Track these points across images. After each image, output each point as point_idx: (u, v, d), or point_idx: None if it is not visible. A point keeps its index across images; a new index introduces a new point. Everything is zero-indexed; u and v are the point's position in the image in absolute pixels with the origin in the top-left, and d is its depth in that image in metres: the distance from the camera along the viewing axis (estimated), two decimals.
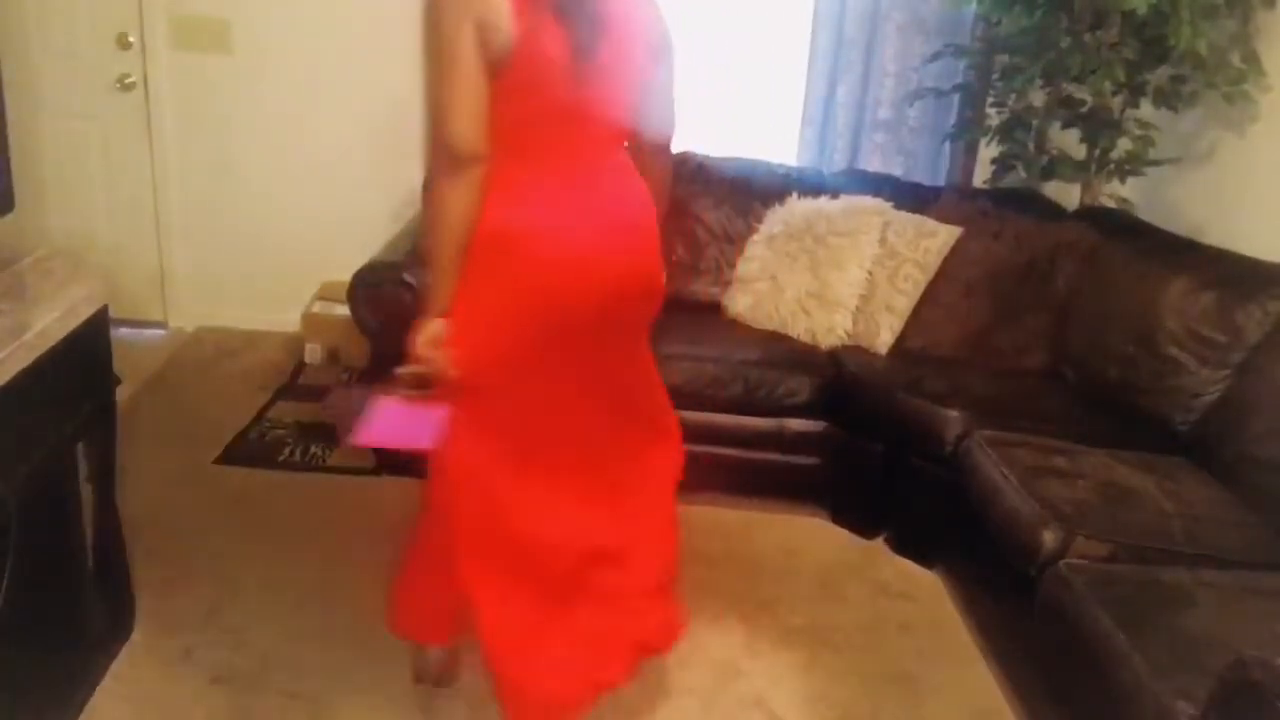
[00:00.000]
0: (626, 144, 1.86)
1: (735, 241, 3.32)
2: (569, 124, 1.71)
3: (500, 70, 1.60)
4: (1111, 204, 3.25)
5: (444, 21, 1.59)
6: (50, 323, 1.67)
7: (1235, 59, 2.86)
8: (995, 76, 3.41)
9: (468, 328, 1.70)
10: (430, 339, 1.69)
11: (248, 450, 3.08)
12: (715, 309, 3.25)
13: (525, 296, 1.70)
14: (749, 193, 3.35)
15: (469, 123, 1.61)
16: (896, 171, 3.66)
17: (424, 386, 1.72)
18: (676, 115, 1.94)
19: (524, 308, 1.71)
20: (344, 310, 2.95)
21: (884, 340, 3.00)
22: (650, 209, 1.86)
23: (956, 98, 3.57)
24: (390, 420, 1.71)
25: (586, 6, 1.64)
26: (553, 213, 1.70)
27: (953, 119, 3.66)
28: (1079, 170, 3.22)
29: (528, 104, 1.66)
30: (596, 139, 1.76)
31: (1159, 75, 3.01)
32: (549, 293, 1.70)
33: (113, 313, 1.93)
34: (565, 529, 1.87)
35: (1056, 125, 3.28)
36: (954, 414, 2.58)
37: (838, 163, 3.71)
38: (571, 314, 1.73)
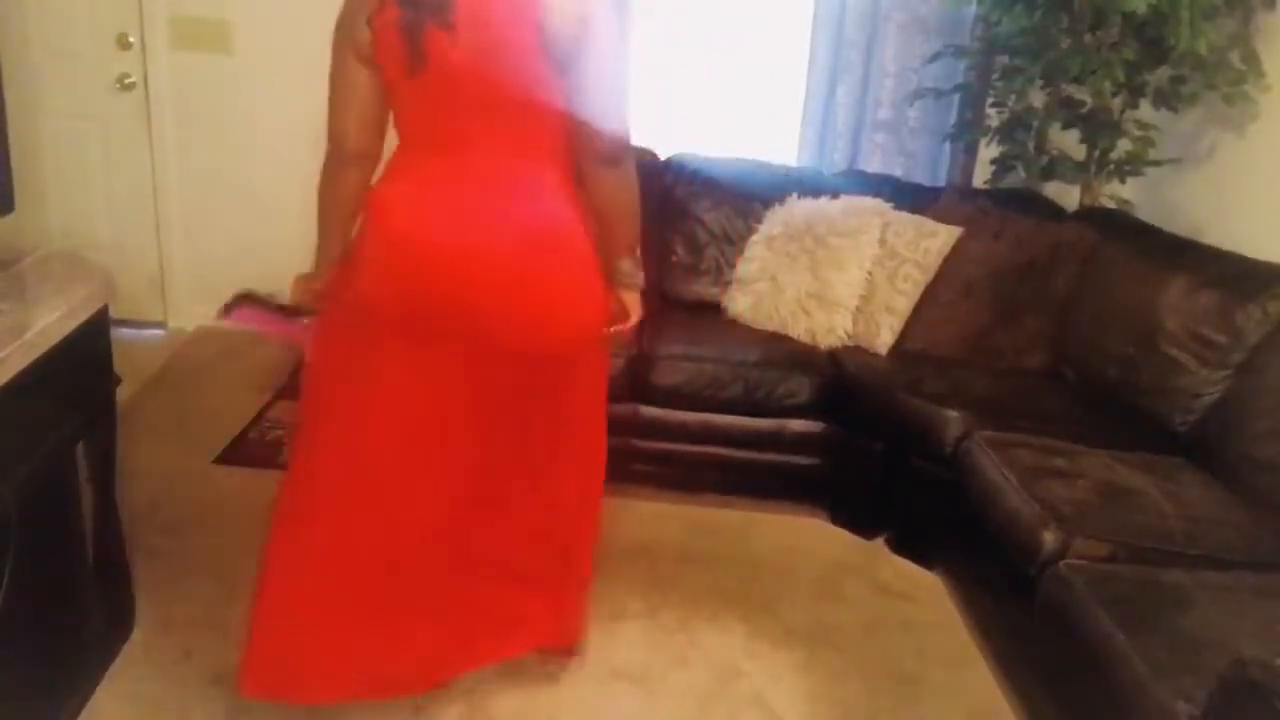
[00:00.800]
0: (585, 154, 1.71)
1: (735, 242, 3.32)
2: (427, 116, 1.69)
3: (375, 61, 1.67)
4: (1111, 204, 3.26)
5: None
6: (50, 323, 1.67)
7: (1235, 59, 2.86)
8: (995, 77, 3.41)
9: (338, 280, 1.83)
10: (304, 282, 1.91)
11: (248, 450, 3.08)
12: (715, 309, 3.26)
13: (377, 266, 1.75)
14: (749, 193, 3.35)
15: (345, 121, 1.71)
16: (896, 172, 3.66)
17: (294, 313, 1.94)
18: (622, 127, 1.69)
19: (372, 276, 1.75)
20: None
21: (884, 340, 3.00)
22: (549, 236, 1.71)
23: (956, 98, 3.57)
24: (252, 313, 1.97)
25: None
26: (414, 197, 1.71)
27: (953, 119, 3.66)
28: (1079, 170, 3.22)
29: (393, 93, 1.70)
30: (468, 136, 1.67)
31: (1159, 76, 3.01)
32: (390, 267, 1.73)
33: (113, 313, 1.93)
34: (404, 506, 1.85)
35: (1056, 126, 3.28)
36: (954, 414, 2.58)
37: (838, 163, 3.71)
38: (408, 299, 1.72)
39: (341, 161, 1.76)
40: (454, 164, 1.69)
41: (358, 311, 1.78)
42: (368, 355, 1.78)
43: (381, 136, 1.76)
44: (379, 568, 1.85)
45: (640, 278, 1.90)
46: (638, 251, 1.88)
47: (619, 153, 1.71)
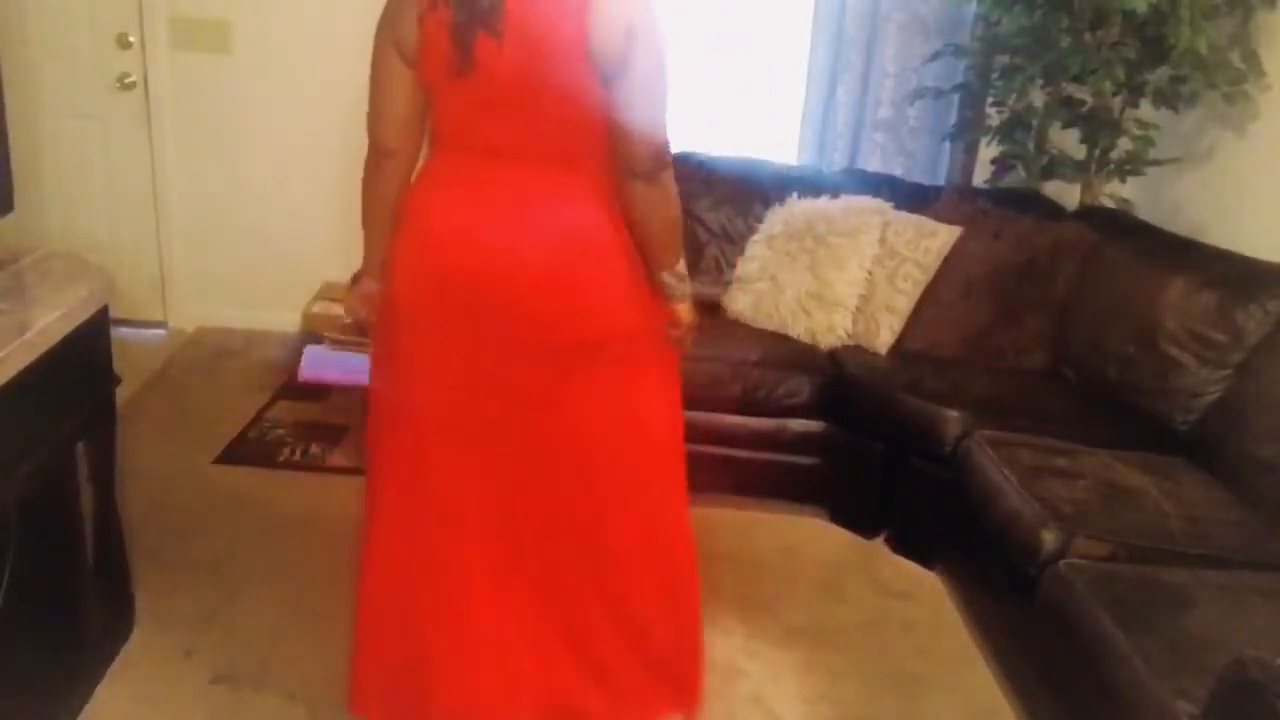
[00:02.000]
0: (624, 169, 1.67)
1: (735, 241, 3.32)
2: (467, 119, 1.68)
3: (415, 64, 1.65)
4: (1111, 204, 3.25)
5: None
6: (50, 323, 1.67)
7: (1235, 59, 2.86)
8: (995, 76, 3.41)
9: (383, 285, 1.81)
10: (357, 294, 1.87)
11: (248, 450, 3.08)
12: (715, 309, 3.25)
13: (409, 266, 1.75)
14: (749, 193, 3.35)
15: (385, 118, 1.72)
16: (896, 171, 3.66)
17: (358, 334, 1.90)
18: (659, 142, 1.67)
19: (404, 277, 1.76)
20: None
21: (884, 340, 3.00)
22: (579, 240, 1.69)
23: (956, 98, 3.57)
24: (319, 360, 1.82)
25: None
26: (448, 199, 1.71)
27: (953, 119, 3.66)
28: (1079, 170, 3.22)
29: (433, 93, 1.69)
30: (506, 141, 1.66)
31: (1159, 75, 3.00)
32: (422, 268, 1.73)
33: (113, 313, 1.94)
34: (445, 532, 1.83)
35: (1056, 125, 3.27)
36: (954, 414, 2.58)
37: (838, 163, 3.71)
38: (439, 299, 1.72)
39: (380, 158, 1.76)
40: (489, 168, 1.69)
41: (392, 313, 1.78)
42: (403, 358, 1.79)
43: (420, 134, 1.76)
44: (416, 571, 1.88)
45: (683, 289, 1.85)
46: (680, 265, 1.83)
47: (653, 168, 1.67)
